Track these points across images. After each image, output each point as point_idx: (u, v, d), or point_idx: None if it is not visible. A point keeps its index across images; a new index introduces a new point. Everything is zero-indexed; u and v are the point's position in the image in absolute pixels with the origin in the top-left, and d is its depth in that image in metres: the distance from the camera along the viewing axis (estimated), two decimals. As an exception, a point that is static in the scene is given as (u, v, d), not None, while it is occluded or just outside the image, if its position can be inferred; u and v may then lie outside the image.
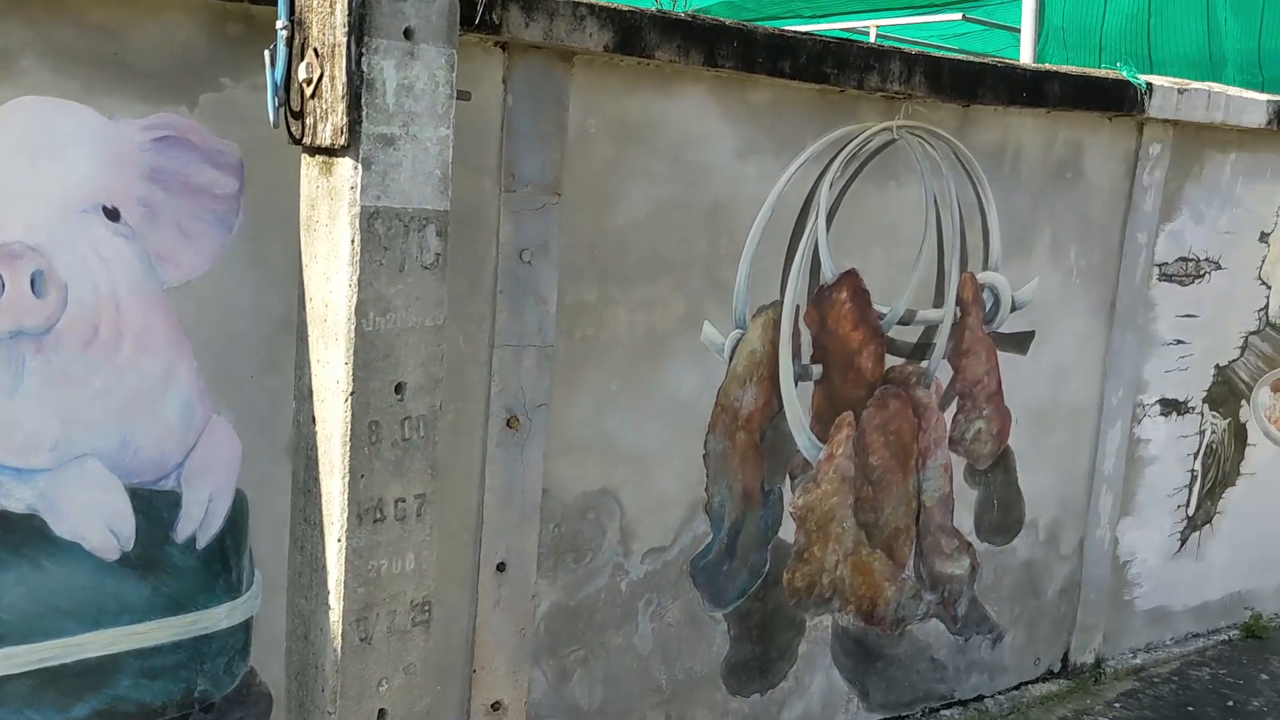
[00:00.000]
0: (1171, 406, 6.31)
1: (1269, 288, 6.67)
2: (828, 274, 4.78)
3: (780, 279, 4.64)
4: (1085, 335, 5.75)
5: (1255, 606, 7.10)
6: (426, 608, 3.37)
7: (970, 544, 5.54)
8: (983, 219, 5.21)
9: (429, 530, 3.33)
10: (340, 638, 3.20)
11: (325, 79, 3.02)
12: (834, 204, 4.74)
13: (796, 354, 4.76)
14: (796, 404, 4.80)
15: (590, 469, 4.22)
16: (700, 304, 4.40)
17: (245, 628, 3.55)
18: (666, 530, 4.48)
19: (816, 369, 4.84)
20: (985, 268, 5.28)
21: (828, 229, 4.73)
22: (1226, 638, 6.87)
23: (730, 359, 4.55)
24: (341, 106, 2.99)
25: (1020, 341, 5.51)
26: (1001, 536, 5.66)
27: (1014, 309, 5.43)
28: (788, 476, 4.85)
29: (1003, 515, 5.64)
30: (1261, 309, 6.66)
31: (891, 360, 5.09)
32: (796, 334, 4.74)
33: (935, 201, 5.04)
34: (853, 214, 4.80)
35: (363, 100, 2.99)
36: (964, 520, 5.49)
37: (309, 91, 3.08)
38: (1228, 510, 6.81)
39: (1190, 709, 5.93)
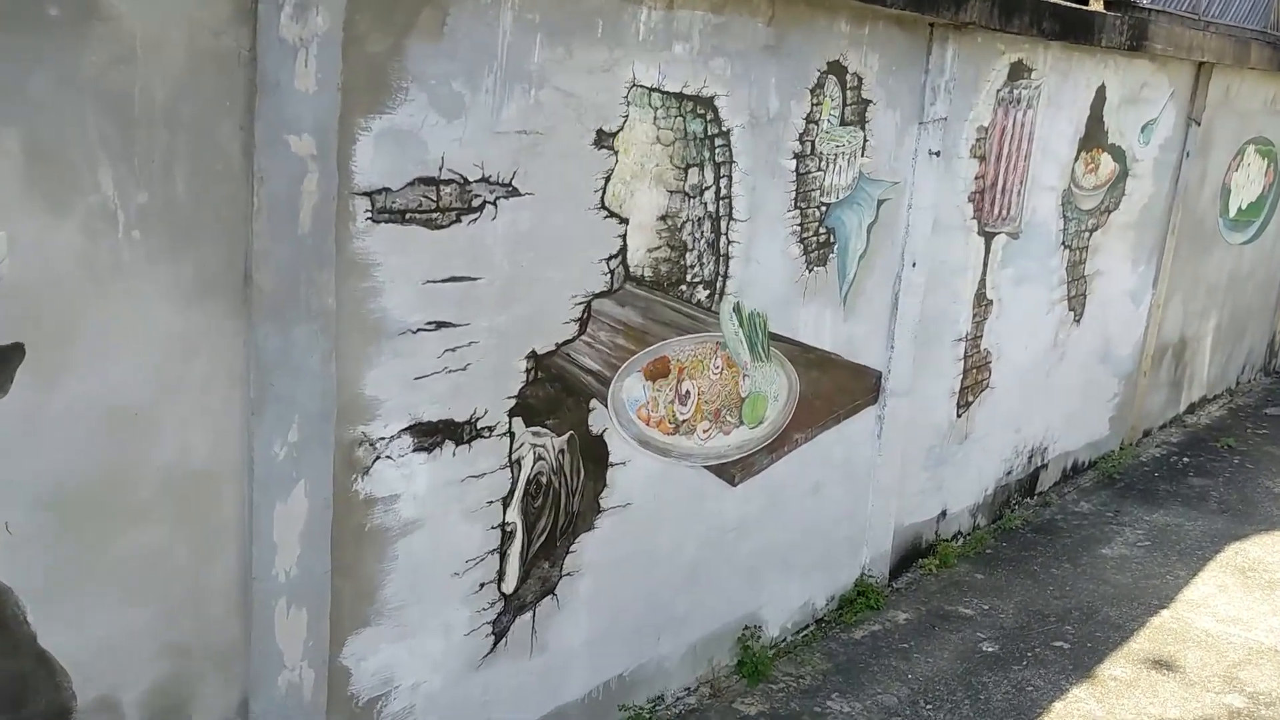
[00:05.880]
0: (439, 434, 3.69)
1: (625, 221, 4.15)
2: None
3: None
4: (179, 335, 2.94)
5: (647, 691, 4.80)
6: None
7: (-90, 790, 2.67)
8: None
9: None
10: None
11: None
12: None
13: None
14: None
15: None
16: None
17: None
18: None
19: None
20: None
21: None
22: (593, 754, 4.50)
23: None
24: None
25: (-19, 370, 2.60)
26: (12, 749, 2.83)
27: (-62, 305, 2.49)
28: None
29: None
30: (614, 256, 4.14)
31: None
32: None
33: None
34: None
35: None
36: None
37: None
38: (586, 566, 4.38)
39: None
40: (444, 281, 3.57)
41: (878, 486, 5.97)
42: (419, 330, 3.54)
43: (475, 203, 3.60)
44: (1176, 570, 6.74)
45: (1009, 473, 7.32)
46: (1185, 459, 8.78)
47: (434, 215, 3.49)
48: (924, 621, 5.91)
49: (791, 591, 5.58)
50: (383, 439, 3.52)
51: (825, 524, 5.70)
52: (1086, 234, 7.43)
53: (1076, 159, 7.05)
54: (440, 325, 3.60)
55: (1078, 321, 7.62)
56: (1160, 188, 8.14)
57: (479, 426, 3.81)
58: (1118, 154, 7.50)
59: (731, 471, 5.02)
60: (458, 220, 3.56)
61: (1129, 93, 7.38)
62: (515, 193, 3.72)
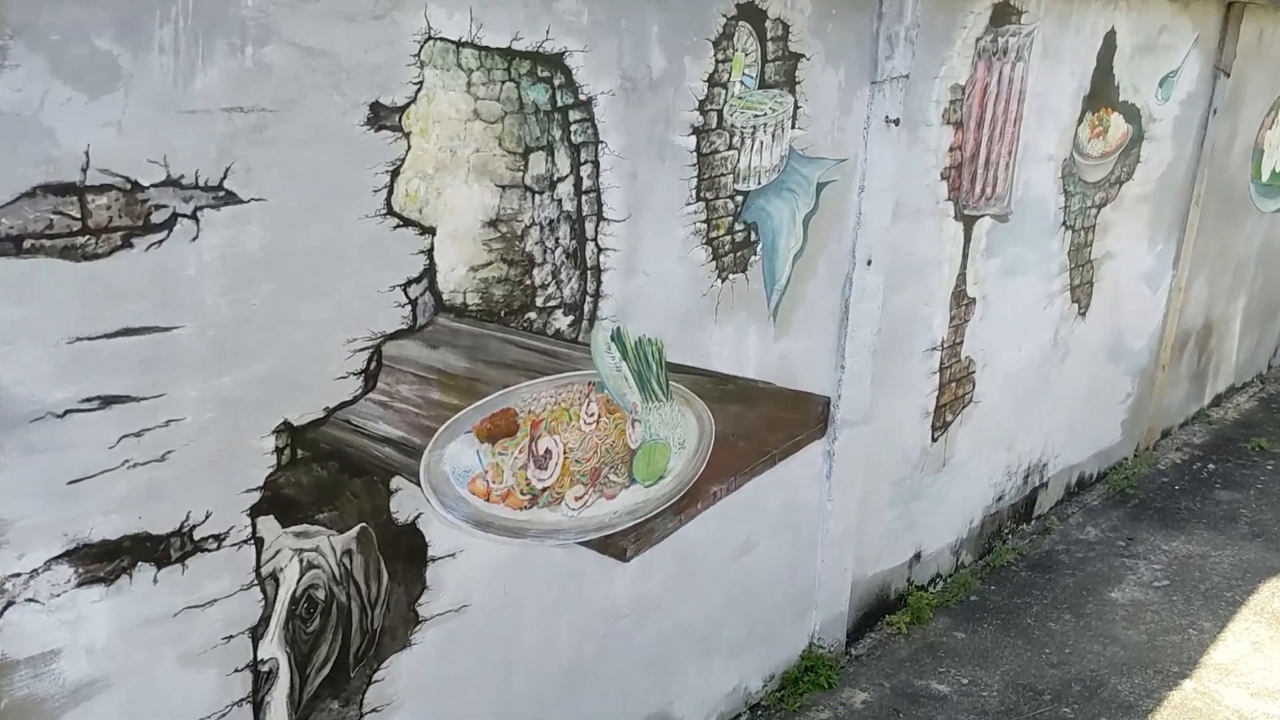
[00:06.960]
0: (124, 555, 2.53)
1: (431, 231, 2.95)
2: None
3: None
4: None
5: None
6: None
7: None
8: None
9: None
10: None
11: None
12: None
13: None
14: None
15: None
16: None
17: None
18: None
19: None
20: None
21: None
22: None
23: None
24: None
25: None
26: None
27: None
28: None
29: None
30: (415, 280, 2.95)
31: None
32: None
33: None
34: None
35: None
36: None
37: None
38: (402, 696, 3.23)
39: None
40: (108, 337, 2.39)
41: (829, 536, 4.80)
42: (69, 412, 2.36)
43: (158, 217, 2.40)
44: (1201, 620, 5.55)
45: (999, 498, 6.13)
46: (1210, 465, 7.57)
47: (80, 240, 2.30)
48: (887, 704, 4.75)
49: (714, 677, 4.43)
50: (18, 575, 2.35)
51: (759, 589, 4.54)
52: (1093, 210, 6.19)
53: (1080, 121, 5.79)
54: (108, 401, 2.41)
55: (1083, 314, 6.39)
56: (1182, 151, 6.87)
57: (198, 537, 2.64)
58: (1131, 113, 6.23)
59: (621, 544, 3.85)
60: (126, 245, 2.37)
61: (1144, 39, 6.09)
62: (232, 199, 2.52)
